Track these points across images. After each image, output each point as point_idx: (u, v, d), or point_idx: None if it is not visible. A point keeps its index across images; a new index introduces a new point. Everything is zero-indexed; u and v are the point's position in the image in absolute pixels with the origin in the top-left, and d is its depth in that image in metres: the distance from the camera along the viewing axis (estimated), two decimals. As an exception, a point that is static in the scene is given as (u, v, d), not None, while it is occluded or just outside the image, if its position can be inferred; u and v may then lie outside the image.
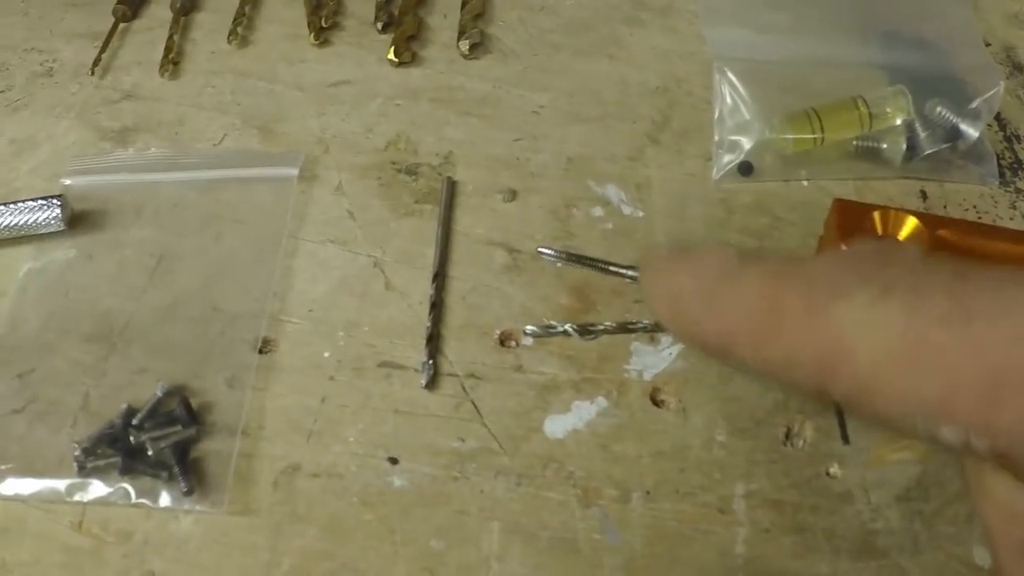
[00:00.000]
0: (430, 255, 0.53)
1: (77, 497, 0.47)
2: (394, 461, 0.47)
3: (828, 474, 0.46)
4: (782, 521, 0.45)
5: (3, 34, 0.68)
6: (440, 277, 0.52)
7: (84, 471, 0.47)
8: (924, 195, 0.58)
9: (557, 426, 0.48)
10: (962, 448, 0.24)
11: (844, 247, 0.49)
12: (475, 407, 0.48)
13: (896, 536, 0.45)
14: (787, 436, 0.48)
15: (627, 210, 0.56)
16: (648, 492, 0.46)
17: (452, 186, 0.56)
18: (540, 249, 0.52)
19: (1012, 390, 0.23)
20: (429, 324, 0.51)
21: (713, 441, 0.47)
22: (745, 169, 0.58)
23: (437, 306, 0.51)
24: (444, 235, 0.54)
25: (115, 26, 0.65)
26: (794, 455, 0.47)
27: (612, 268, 0.52)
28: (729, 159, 0.58)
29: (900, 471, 0.46)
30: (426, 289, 0.52)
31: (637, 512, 0.45)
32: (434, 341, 0.50)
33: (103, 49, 0.64)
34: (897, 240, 0.26)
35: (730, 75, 0.59)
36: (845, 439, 0.48)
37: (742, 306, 0.29)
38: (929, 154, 0.59)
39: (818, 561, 0.44)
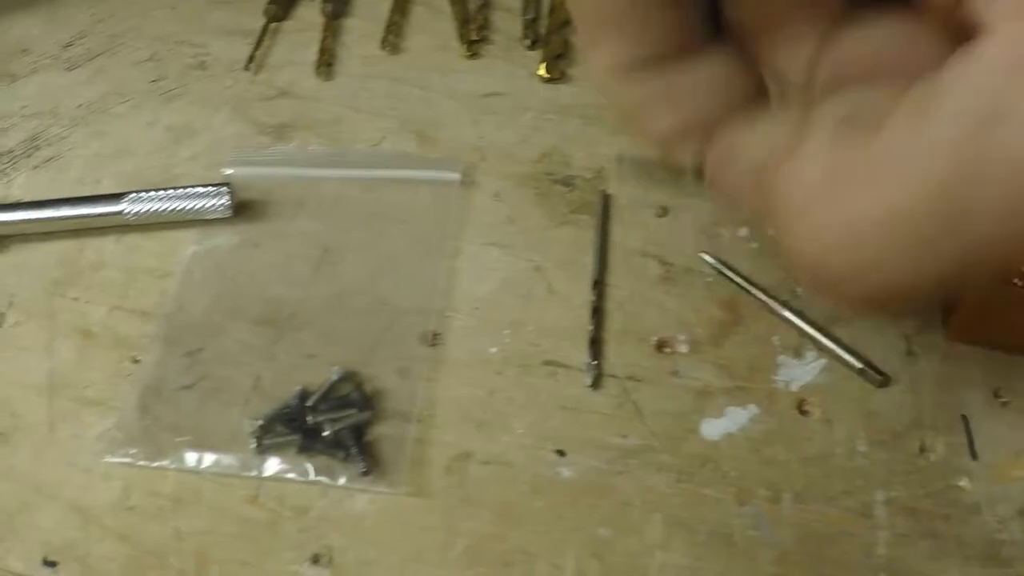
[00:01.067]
0: (587, 263, 0.56)
1: (253, 472, 0.48)
2: (561, 453, 0.49)
3: (958, 486, 0.49)
4: (918, 527, 0.47)
5: (152, 26, 0.71)
6: (600, 285, 0.54)
7: (261, 447, 0.49)
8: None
9: (713, 429, 0.50)
10: None
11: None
12: (636, 407, 0.51)
13: (1019, 547, 0.47)
14: (921, 450, 0.50)
15: (771, 231, 0.58)
16: (797, 494, 0.48)
17: (607, 200, 0.58)
18: (702, 254, 0.55)
19: None
20: (591, 328, 0.53)
21: (855, 451, 0.49)
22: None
23: (598, 312, 0.54)
24: (602, 245, 0.56)
25: (267, 25, 0.68)
26: (928, 467, 0.49)
27: (755, 292, 0.55)
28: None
29: (1023, 488, 0.49)
30: (585, 294, 0.54)
31: (787, 512, 0.47)
32: (597, 344, 0.52)
33: (257, 47, 0.66)
34: None
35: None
36: (973, 455, 0.50)
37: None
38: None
39: (950, 565, 0.46)
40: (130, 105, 0.64)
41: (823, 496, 0.48)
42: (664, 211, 0.59)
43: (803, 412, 0.51)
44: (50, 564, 0.46)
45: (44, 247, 0.58)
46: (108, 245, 0.57)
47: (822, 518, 0.47)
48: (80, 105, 0.65)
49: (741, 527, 0.47)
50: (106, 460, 0.49)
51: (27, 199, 0.60)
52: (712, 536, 0.46)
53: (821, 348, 0.53)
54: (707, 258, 0.56)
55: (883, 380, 0.52)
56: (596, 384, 0.51)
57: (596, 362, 0.52)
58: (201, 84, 0.65)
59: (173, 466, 0.49)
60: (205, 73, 0.66)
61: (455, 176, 0.59)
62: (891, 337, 0.54)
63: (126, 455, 0.49)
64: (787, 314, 0.54)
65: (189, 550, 0.46)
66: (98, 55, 0.68)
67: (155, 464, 0.49)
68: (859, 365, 0.52)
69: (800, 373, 0.53)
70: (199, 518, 0.47)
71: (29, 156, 0.63)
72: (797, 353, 0.53)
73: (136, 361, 0.52)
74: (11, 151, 0.63)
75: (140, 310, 0.54)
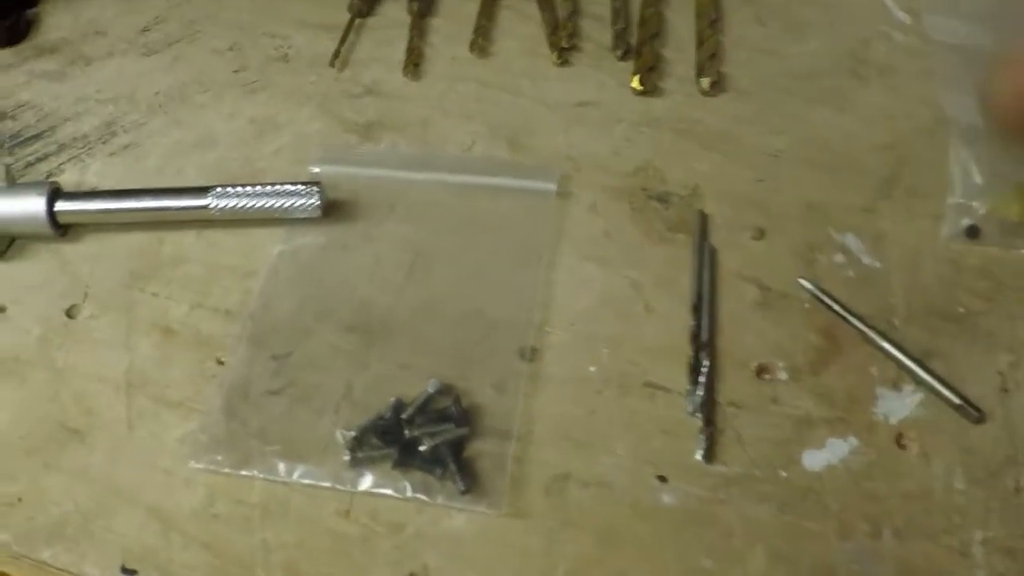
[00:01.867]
0: (684, 282, 0.55)
1: (347, 485, 0.47)
2: (663, 479, 0.48)
3: (1055, 527, 0.48)
4: (1016, 568, 0.46)
5: (227, 15, 0.69)
6: (700, 308, 0.53)
7: (355, 460, 0.48)
8: None
9: (814, 460, 0.49)
10: None
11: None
12: (737, 434, 0.49)
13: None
14: (1016, 489, 0.49)
15: (866, 260, 0.57)
16: (898, 530, 0.47)
17: (705, 219, 0.57)
18: (801, 280, 0.54)
19: None
20: (691, 353, 0.52)
21: (953, 488, 0.48)
22: (972, 233, 0.60)
23: (698, 337, 0.52)
24: (699, 267, 0.55)
25: (352, 21, 0.66)
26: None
27: (852, 320, 0.54)
28: (958, 221, 0.60)
29: None
30: (684, 314, 0.53)
31: (888, 548, 0.46)
32: (698, 371, 0.51)
33: (342, 42, 0.65)
34: None
35: (965, 142, 0.61)
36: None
37: None
38: None
39: (1048, 609, 0.45)
40: (211, 95, 0.63)
41: (923, 533, 0.47)
42: (761, 234, 0.57)
43: (901, 446, 0.50)
44: (129, 572, 0.45)
45: (121, 238, 0.57)
46: (188, 239, 0.56)
47: (922, 555, 0.46)
48: (158, 92, 0.64)
49: (844, 562, 0.46)
50: (191, 465, 0.48)
51: (103, 187, 0.58)
52: (814, 570, 0.46)
53: (919, 381, 0.52)
54: (805, 284, 0.55)
55: (980, 416, 0.51)
56: (697, 411, 0.50)
57: (700, 393, 0.50)
58: (284, 77, 0.64)
59: (261, 475, 0.47)
60: (288, 66, 0.64)
61: (551, 186, 0.58)
62: (985, 373, 0.53)
63: (212, 461, 0.48)
64: (885, 345, 0.53)
65: (277, 563, 0.45)
66: (176, 42, 0.67)
67: (242, 472, 0.48)
68: (957, 400, 0.51)
69: (898, 406, 0.52)
70: (288, 530, 0.46)
71: (105, 143, 0.61)
72: (895, 385, 0.52)
73: (221, 362, 0.51)
74: (86, 136, 0.62)
75: (224, 309, 0.53)
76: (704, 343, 0.52)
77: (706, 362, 0.51)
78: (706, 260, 0.55)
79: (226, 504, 0.47)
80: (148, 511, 0.47)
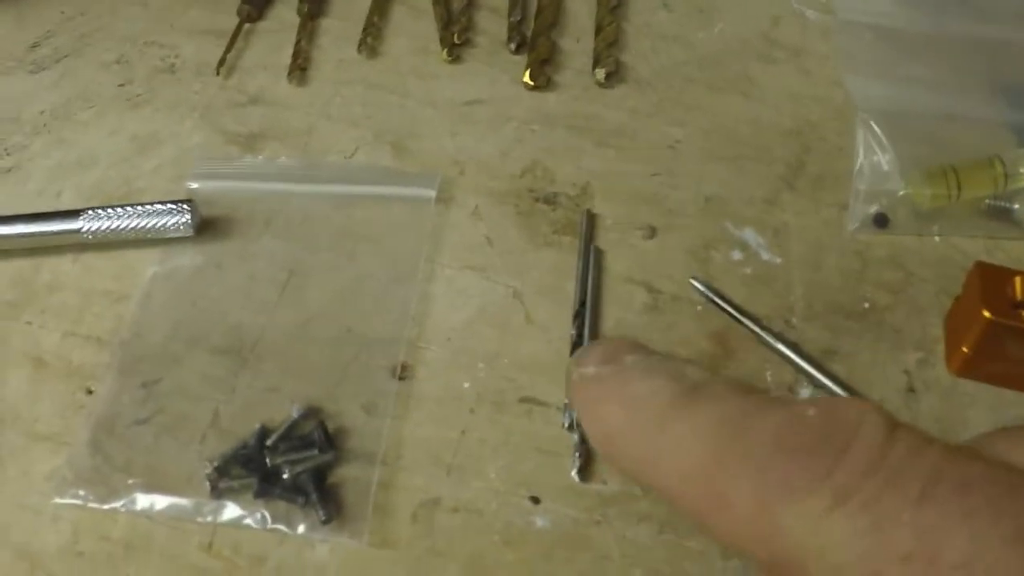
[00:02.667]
0: (569, 289, 0.52)
1: (208, 518, 0.46)
2: (536, 500, 0.46)
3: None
4: None
5: (121, 26, 0.67)
6: (581, 314, 0.51)
7: (217, 491, 0.46)
8: (1053, 258, 0.57)
9: (698, 475, 0.47)
10: None
11: (986, 313, 0.48)
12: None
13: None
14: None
15: (765, 256, 0.55)
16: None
17: (592, 220, 0.55)
18: (693, 280, 0.52)
19: None
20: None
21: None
22: (880, 221, 0.57)
23: (578, 346, 0.50)
24: (585, 271, 0.53)
25: (240, 26, 0.64)
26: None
27: (747, 322, 0.51)
28: (865, 210, 0.57)
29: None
30: (566, 324, 0.51)
31: (775, 569, 0.44)
32: (577, 380, 0.49)
33: (228, 49, 0.63)
34: (852, 406, 0.23)
35: (873, 126, 0.58)
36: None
37: (676, 471, 0.25)
38: (1060, 218, 0.58)
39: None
40: (95, 111, 0.61)
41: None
42: (652, 232, 0.55)
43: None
44: (-5, 616, 0.44)
45: (-3, 266, 0.55)
46: (65, 265, 0.54)
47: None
48: (43, 111, 0.62)
49: (727, 582, 0.44)
50: (55, 501, 0.46)
51: (-16, 213, 0.57)
52: (696, 592, 0.43)
53: (816, 384, 0.50)
54: (697, 285, 0.53)
55: (883, 421, 0.48)
56: (573, 426, 0.48)
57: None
58: (169, 89, 0.62)
59: (124, 509, 0.46)
60: (173, 77, 0.63)
61: (431, 193, 0.55)
62: (891, 373, 0.51)
63: (76, 496, 0.47)
64: (781, 347, 0.51)
65: (139, 601, 0.43)
66: (65, 56, 0.65)
67: (106, 506, 0.46)
68: (857, 404, 0.48)
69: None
70: (150, 566, 0.45)
71: (-12, 166, 0.60)
72: (791, 390, 0.50)
73: (90, 392, 0.50)
74: (-31, 161, 0.60)
75: (95, 336, 0.52)
76: (585, 353, 0.50)
77: None
78: (591, 264, 0.53)
79: (90, 541, 0.46)
80: (15, 551, 0.45)
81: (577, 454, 0.47)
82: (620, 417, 0.26)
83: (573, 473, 0.46)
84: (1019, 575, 0.19)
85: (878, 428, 0.22)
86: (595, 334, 0.51)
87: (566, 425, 0.48)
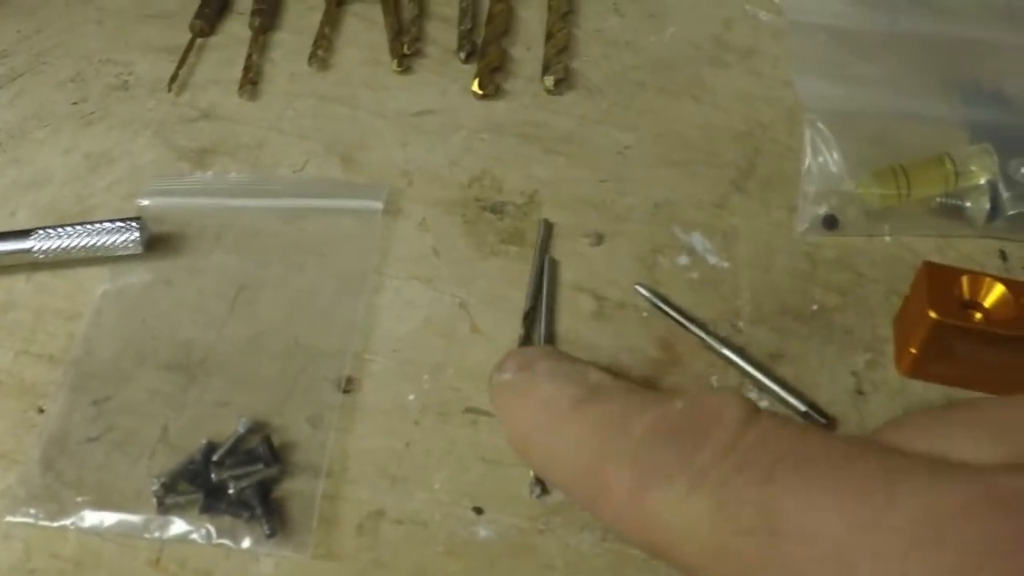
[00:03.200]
0: (516, 298, 0.53)
1: (155, 534, 0.46)
2: (479, 511, 0.46)
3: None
4: None
5: (77, 44, 0.68)
6: (531, 319, 0.51)
7: (164, 507, 0.47)
8: (1004, 255, 0.57)
9: (643, 482, 0.47)
10: None
11: (932, 313, 0.48)
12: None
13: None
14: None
15: (712, 260, 0.55)
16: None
17: (549, 229, 0.55)
18: (638, 287, 0.52)
19: None
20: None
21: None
22: (830, 223, 0.57)
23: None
24: (538, 280, 0.53)
25: (192, 42, 0.64)
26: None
27: (692, 328, 0.52)
28: (814, 211, 0.58)
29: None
30: (512, 333, 0.51)
31: (722, 573, 0.44)
32: (522, 387, 0.49)
33: (180, 65, 0.63)
34: (718, 399, 0.25)
35: (821, 127, 0.58)
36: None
37: (571, 466, 0.28)
38: (1012, 215, 0.58)
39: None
40: (49, 130, 0.62)
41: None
42: (599, 239, 0.55)
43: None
44: (-53, 637, 0.44)
45: (-50, 287, 0.55)
46: (17, 284, 0.55)
47: None
48: (-2, 130, 0.62)
49: (671, 588, 0.44)
50: (7, 519, 0.47)
51: (-61, 233, 0.57)
52: (640, 599, 0.44)
53: (762, 388, 0.50)
54: (642, 291, 0.53)
55: (828, 423, 0.49)
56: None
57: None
58: (123, 106, 0.62)
59: (74, 526, 0.46)
60: (127, 94, 0.63)
61: (378, 204, 0.56)
62: (839, 375, 0.51)
63: (27, 514, 0.47)
64: (726, 351, 0.51)
65: (88, 617, 0.44)
66: (20, 75, 0.65)
67: (56, 524, 0.47)
68: (803, 408, 0.49)
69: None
70: (99, 583, 0.45)
71: (-57, 187, 0.60)
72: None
73: (41, 411, 0.50)
74: (-75, 181, 0.61)
75: (47, 355, 0.52)
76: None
77: None
78: (546, 273, 0.53)
79: (42, 559, 0.46)
80: (-32, 570, 0.46)
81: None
82: (529, 420, 0.29)
83: (530, 492, 0.47)
84: (844, 535, 0.21)
85: (737, 415, 0.24)
86: (547, 341, 0.51)
87: (510, 434, 0.48)
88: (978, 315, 0.49)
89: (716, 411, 0.25)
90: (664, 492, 0.24)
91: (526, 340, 0.51)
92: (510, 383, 0.31)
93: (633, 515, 0.25)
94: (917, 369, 0.51)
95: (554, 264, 0.54)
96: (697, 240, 0.56)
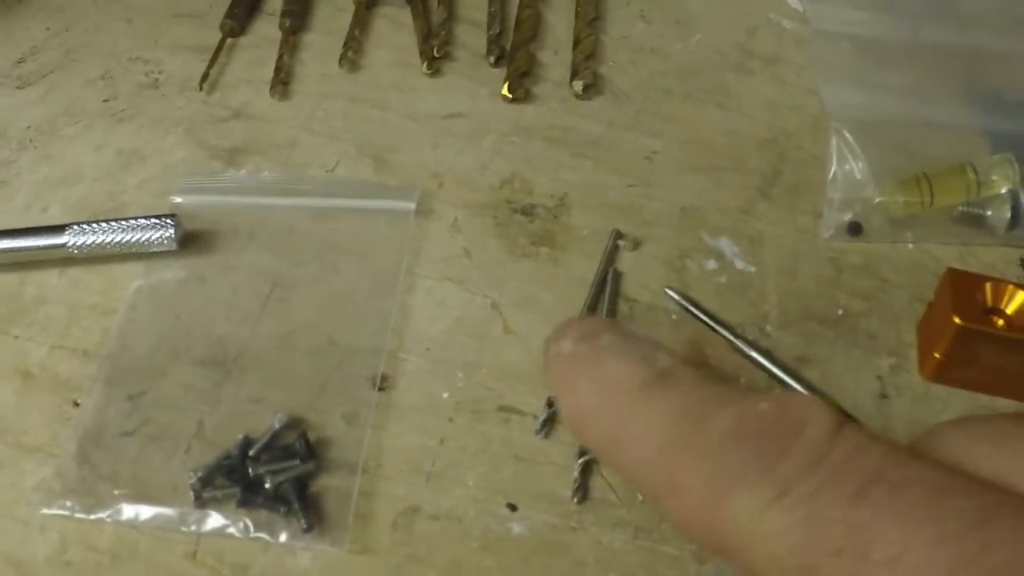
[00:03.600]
0: (546, 299, 0.53)
1: (192, 527, 0.46)
2: (513, 508, 0.47)
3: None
4: None
5: (107, 42, 0.68)
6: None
7: (200, 501, 0.47)
8: (1024, 263, 0.58)
9: (673, 481, 0.48)
10: None
11: (956, 319, 0.49)
12: (592, 458, 0.48)
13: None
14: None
15: (740, 264, 0.56)
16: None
17: (619, 237, 0.56)
18: (668, 290, 0.53)
19: None
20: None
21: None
22: (855, 230, 0.58)
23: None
24: (597, 288, 0.54)
25: (223, 41, 0.65)
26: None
27: (720, 330, 0.52)
28: (839, 218, 0.58)
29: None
30: (543, 334, 0.52)
31: (749, 573, 0.45)
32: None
33: (211, 64, 0.64)
34: (803, 402, 0.25)
35: (847, 135, 0.59)
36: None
37: (638, 453, 0.26)
38: (1032, 223, 0.59)
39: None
40: (81, 127, 0.62)
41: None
42: (636, 244, 0.56)
43: (766, 462, 0.49)
44: (-16, 625, 0.44)
45: (-17, 281, 0.56)
46: (51, 279, 0.55)
47: None
48: (29, 126, 0.63)
49: (701, 586, 0.45)
50: (43, 512, 0.47)
51: (-29, 228, 0.58)
52: (670, 597, 0.44)
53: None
54: (672, 294, 0.53)
55: (854, 425, 0.49)
56: (548, 434, 0.49)
57: (553, 409, 0.49)
58: (153, 104, 0.63)
59: (111, 519, 0.47)
60: (157, 92, 0.63)
61: (410, 205, 0.56)
62: (864, 379, 0.51)
63: (63, 507, 0.47)
64: (754, 354, 0.51)
65: (125, 609, 0.44)
66: (50, 72, 0.66)
67: (92, 516, 0.47)
68: (829, 411, 0.49)
69: (763, 421, 0.50)
70: (136, 575, 0.45)
71: (-25, 182, 0.60)
72: (761, 396, 0.50)
73: (76, 405, 0.50)
74: (-44, 176, 0.61)
75: (82, 349, 0.52)
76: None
77: None
78: (609, 282, 0.54)
79: (78, 551, 0.46)
80: (4, 561, 0.46)
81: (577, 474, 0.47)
82: (591, 398, 0.27)
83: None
84: (940, 574, 0.20)
85: (824, 425, 0.24)
86: (572, 343, 0.52)
87: (537, 429, 0.49)
88: (1001, 321, 0.50)
89: (802, 417, 0.24)
90: (744, 498, 0.23)
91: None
92: (570, 355, 0.28)
93: (705, 517, 0.24)
94: (940, 374, 0.51)
95: (618, 275, 0.55)
96: (725, 245, 0.57)
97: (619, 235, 0.56)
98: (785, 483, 0.23)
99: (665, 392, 0.26)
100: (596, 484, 0.47)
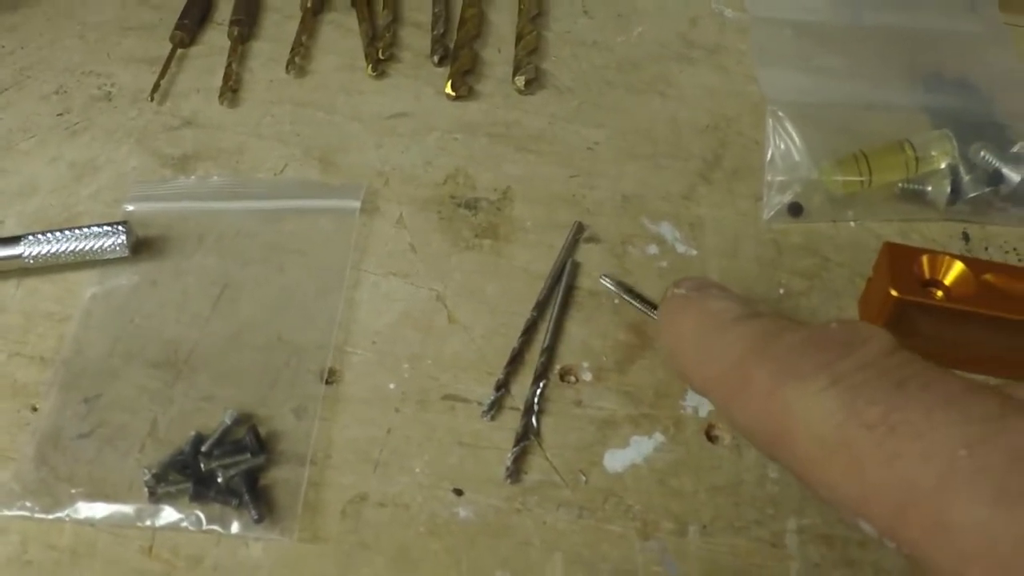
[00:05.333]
0: (489, 290, 0.55)
1: (147, 522, 0.48)
2: (459, 492, 0.48)
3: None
4: (832, 556, 0.46)
5: (60, 57, 0.69)
6: (536, 316, 0.53)
7: (155, 497, 0.48)
8: (967, 237, 0.59)
9: (616, 460, 0.49)
10: (879, 540, 0.26)
11: (893, 292, 0.50)
12: (536, 440, 0.49)
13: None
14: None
15: (681, 248, 0.57)
16: (704, 526, 0.47)
17: (580, 230, 0.58)
18: (603, 278, 0.54)
19: (916, 507, 0.24)
20: (515, 347, 0.52)
21: (766, 477, 0.48)
22: (795, 210, 0.59)
23: (528, 332, 0.52)
24: (555, 277, 0.55)
25: (173, 52, 0.66)
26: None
27: (655, 315, 0.53)
28: (779, 200, 0.59)
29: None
30: (486, 323, 0.53)
31: (694, 545, 0.46)
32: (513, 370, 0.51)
33: (161, 75, 0.65)
34: (870, 327, 0.29)
35: (783, 118, 0.60)
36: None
37: (721, 364, 0.31)
38: (972, 197, 0.60)
39: (867, 594, 0.45)
40: (35, 141, 0.63)
41: (732, 527, 0.47)
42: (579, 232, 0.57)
43: (711, 438, 0.50)
44: (-56, 627, 0.45)
45: (-57, 293, 0.57)
46: (8, 289, 0.56)
47: (731, 550, 0.46)
48: (-15, 143, 0.64)
49: (645, 563, 0.46)
50: (3, 513, 0.48)
51: (-71, 243, 0.59)
52: (615, 574, 0.45)
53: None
54: (606, 282, 0.55)
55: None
56: (495, 416, 0.50)
57: (500, 392, 0.50)
58: (106, 116, 0.64)
59: (69, 518, 0.48)
60: (110, 105, 0.65)
61: (355, 204, 0.58)
62: (804, 354, 0.52)
63: (23, 507, 0.48)
64: (693, 335, 0.53)
65: (84, 605, 0.45)
66: (6, 89, 0.67)
67: (51, 516, 0.48)
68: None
69: (710, 397, 0.51)
70: (94, 572, 0.46)
71: (-67, 198, 0.61)
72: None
73: (34, 409, 0.51)
74: (-86, 193, 0.62)
75: (39, 356, 0.53)
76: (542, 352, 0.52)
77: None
78: (566, 272, 0.55)
79: (38, 550, 0.47)
80: (-35, 565, 0.47)
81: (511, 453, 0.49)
82: (690, 326, 0.33)
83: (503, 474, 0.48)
84: (957, 444, 0.24)
85: (886, 341, 0.28)
86: (514, 330, 0.53)
87: (485, 412, 0.50)
88: (939, 293, 0.51)
89: (868, 334, 0.28)
90: (801, 386, 0.27)
91: (518, 349, 0.52)
92: (683, 296, 0.35)
93: (764, 405, 0.28)
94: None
95: (576, 266, 0.56)
96: (666, 230, 0.58)
97: (581, 228, 0.57)
98: (839, 375, 0.27)
99: (752, 321, 0.31)
100: (540, 466, 0.48)
